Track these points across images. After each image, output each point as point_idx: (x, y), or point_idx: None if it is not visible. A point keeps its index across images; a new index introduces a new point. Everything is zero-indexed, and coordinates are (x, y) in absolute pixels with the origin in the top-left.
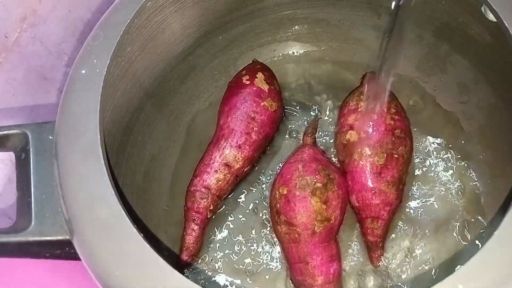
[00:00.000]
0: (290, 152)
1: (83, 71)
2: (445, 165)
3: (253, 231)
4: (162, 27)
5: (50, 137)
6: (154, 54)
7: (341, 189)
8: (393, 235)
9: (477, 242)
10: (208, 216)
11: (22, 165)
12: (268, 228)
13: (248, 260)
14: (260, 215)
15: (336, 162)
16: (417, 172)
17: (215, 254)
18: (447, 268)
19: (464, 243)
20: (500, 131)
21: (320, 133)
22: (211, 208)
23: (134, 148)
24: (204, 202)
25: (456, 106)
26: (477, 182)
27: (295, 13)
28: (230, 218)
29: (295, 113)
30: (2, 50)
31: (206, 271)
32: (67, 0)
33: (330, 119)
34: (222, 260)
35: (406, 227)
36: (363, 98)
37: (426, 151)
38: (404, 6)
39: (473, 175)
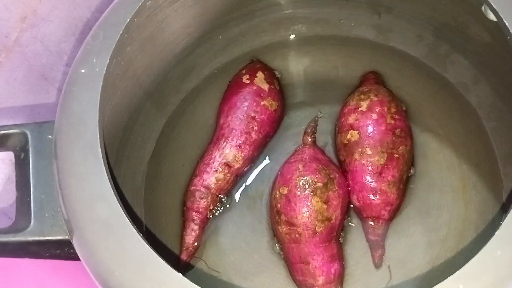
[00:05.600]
0: (290, 152)
1: (83, 71)
2: (445, 164)
3: (253, 231)
4: (162, 26)
5: (50, 136)
6: (154, 54)
7: (342, 188)
8: (395, 234)
9: (477, 242)
10: (208, 216)
11: (21, 165)
12: (268, 228)
13: (248, 260)
14: (260, 215)
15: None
16: (417, 171)
17: (215, 254)
18: (447, 267)
19: (464, 242)
20: (499, 130)
21: (320, 132)
22: (211, 207)
23: (134, 148)
24: (204, 202)
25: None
26: (477, 182)
27: (295, 13)
28: (230, 218)
29: (295, 112)
30: (3, 50)
31: (206, 271)
32: (67, 0)
33: (330, 119)
34: (221, 260)
35: (407, 226)
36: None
37: (426, 150)
38: None
39: (473, 175)
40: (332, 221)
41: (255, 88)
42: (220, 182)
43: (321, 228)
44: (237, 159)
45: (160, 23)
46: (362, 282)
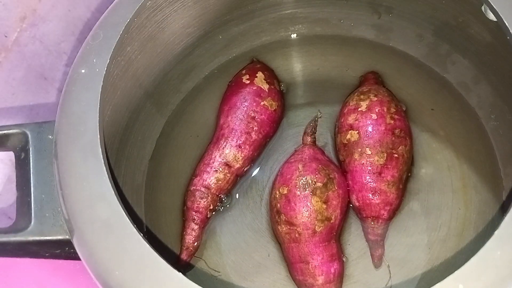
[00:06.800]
0: (290, 152)
1: (83, 71)
2: (445, 164)
3: (253, 231)
4: (162, 26)
5: (50, 136)
6: (153, 54)
7: (342, 188)
8: (394, 234)
9: (477, 242)
10: (208, 216)
11: (21, 165)
12: (268, 228)
13: (247, 260)
14: (260, 214)
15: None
16: (417, 171)
17: (215, 254)
18: (447, 267)
19: (464, 242)
20: (500, 130)
21: (320, 132)
22: (211, 207)
23: (134, 148)
24: (204, 202)
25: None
26: (477, 182)
27: (295, 13)
28: (229, 218)
29: (295, 112)
30: (2, 49)
31: (206, 271)
32: (66, 0)
33: (330, 119)
34: (221, 259)
35: (407, 226)
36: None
37: (426, 150)
38: None
39: (473, 175)
40: (331, 221)
41: (255, 88)
42: (220, 182)
43: (321, 228)
44: (237, 159)
45: (160, 23)
46: (362, 282)
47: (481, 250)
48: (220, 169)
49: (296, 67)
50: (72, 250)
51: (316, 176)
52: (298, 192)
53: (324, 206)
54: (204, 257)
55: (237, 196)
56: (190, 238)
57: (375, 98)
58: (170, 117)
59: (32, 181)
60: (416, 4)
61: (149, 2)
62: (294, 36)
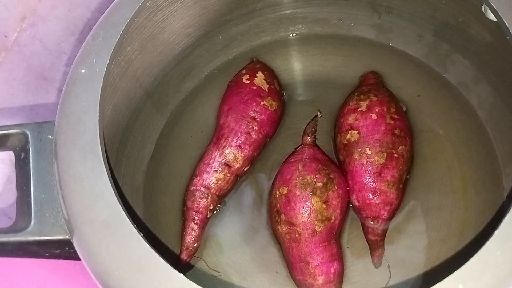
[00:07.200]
0: (290, 152)
1: (83, 71)
2: (445, 164)
3: (253, 231)
4: (161, 26)
5: (50, 136)
6: (153, 54)
7: (342, 188)
8: (394, 234)
9: (477, 242)
10: (208, 216)
11: (21, 165)
12: (268, 228)
13: (247, 260)
14: (260, 214)
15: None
16: (417, 171)
17: (215, 254)
18: (447, 267)
19: (464, 242)
20: (500, 130)
21: (320, 132)
22: (211, 207)
23: (134, 148)
24: (204, 202)
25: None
26: (477, 182)
27: (295, 13)
28: (229, 218)
29: (295, 112)
30: (2, 49)
31: (206, 271)
32: (66, 0)
33: (330, 119)
34: (221, 259)
35: (407, 226)
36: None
37: (426, 150)
38: None
39: (473, 175)
40: (331, 221)
41: (255, 88)
42: (220, 182)
43: (321, 228)
44: (237, 159)
45: (160, 23)
46: (362, 282)
47: (481, 250)
48: (220, 169)
49: (296, 67)
50: (72, 250)
51: (316, 176)
52: (298, 192)
53: (324, 206)
54: (204, 257)
55: (237, 196)
56: (190, 238)
57: (375, 98)
58: (170, 117)
59: (32, 181)
60: (416, 4)
61: (149, 2)
62: (294, 36)
